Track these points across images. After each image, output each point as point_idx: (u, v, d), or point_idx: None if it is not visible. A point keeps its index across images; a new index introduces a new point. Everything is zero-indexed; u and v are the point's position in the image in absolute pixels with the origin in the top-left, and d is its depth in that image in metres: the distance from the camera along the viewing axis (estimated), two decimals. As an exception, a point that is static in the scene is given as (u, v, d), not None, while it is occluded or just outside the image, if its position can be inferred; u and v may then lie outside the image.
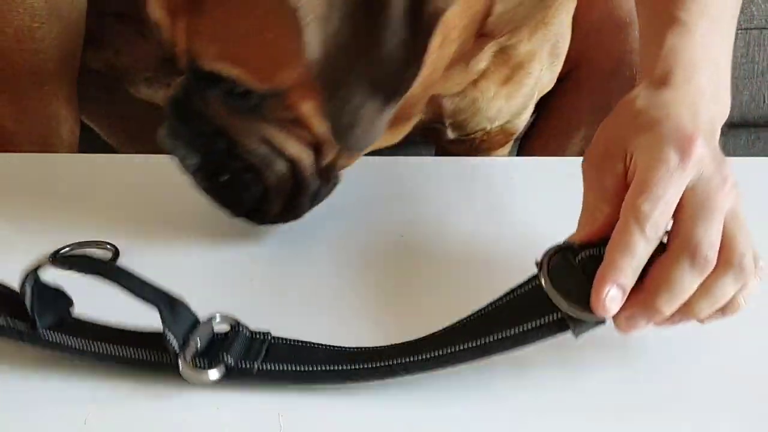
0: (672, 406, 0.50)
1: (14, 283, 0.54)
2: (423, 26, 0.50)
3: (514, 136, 0.84)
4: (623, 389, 0.51)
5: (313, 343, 0.52)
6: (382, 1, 0.50)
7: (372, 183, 0.73)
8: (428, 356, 0.50)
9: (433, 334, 0.52)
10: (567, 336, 0.49)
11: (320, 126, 0.58)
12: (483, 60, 0.69)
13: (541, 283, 0.49)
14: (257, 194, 0.61)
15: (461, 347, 0.50)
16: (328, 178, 0.63)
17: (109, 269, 0.52)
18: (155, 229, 0.64)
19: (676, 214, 0.48)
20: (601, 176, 0.51)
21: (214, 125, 0.59)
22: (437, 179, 0.74)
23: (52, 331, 0.52)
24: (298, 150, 0.60)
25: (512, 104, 0.76)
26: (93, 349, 0.51)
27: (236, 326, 0.53)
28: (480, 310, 0.52)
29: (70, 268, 0.52)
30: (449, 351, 0.50)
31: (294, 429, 0.48)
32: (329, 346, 0.52)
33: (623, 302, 0.47)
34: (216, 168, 0.61)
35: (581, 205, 0.52)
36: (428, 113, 0.74)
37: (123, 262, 0.62)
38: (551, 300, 0.48)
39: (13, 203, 0.69)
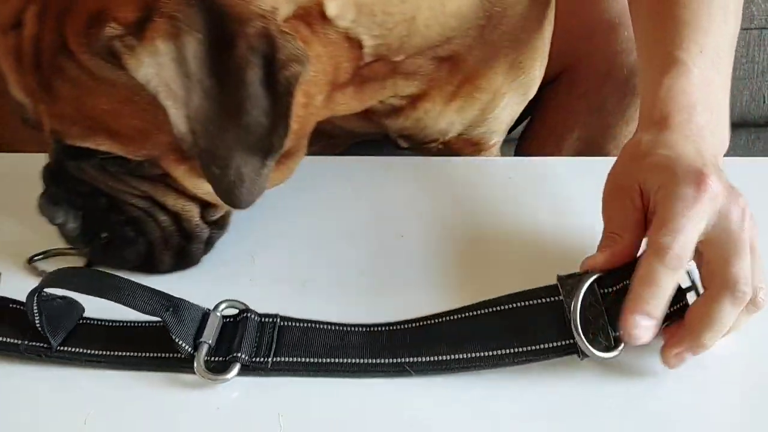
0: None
1: (16, 282, 0.54)
2: (281, 92, 0.52)
3: (489, 145, 0.82)
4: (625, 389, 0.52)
5: (323, 324, 0.53)
6: (237, 76, 0.51)
7: (372, 183, 0.73)
8: (441, 359, 0.51)
9: (447, 320, 0.52)
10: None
11: (197, 187, 0.58)
12: (410, 85, 0.68)
13: (564, 306, 0.50)
14: (142, 249, 0.60)
15: (475, 355, 0.51)
16: (222, 225, 0.63)
17: (100, 284, 0.51)
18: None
19: (706, 253, 0.51)
20: (621, 207, 0.54)
21: (91, 186, 0.59)
22: (437, 179, 0.74)
23: (67, 346, 0.52)
24: (180, 203, 0.60)
25: (466, 116, 0.75)
26: (109, 356, 0.52)
27: (244, 312, 0.53)
28: (496, 304, 0.52)
29: (56, 286, 0.52)
30: (462, 357, 0.51)
31: (294, 429, 0.48)
32: (339, 326, 0.53)
33: (655, 331, 0.49)
34: (96, 226, 0.60)
35: (601, 235, 0.54)
36: (370, 129, 0.74)
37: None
38: (573, 328, 0.49)
39: (14, 203, 0.69)
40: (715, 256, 0.50)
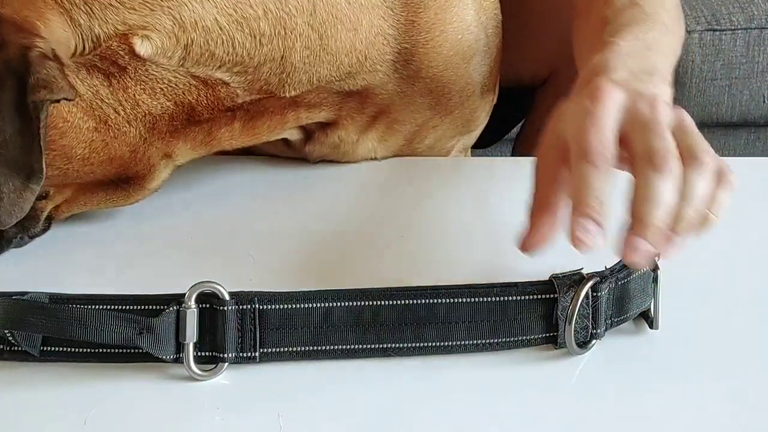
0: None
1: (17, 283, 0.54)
2: (29, 116, 0.52)
3: (451, 153, 0.82)
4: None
5: (304, 302, 0.52)
6: None
7: (372, 183, 0.73)
8: (426, 345, 0.52)
9: (434, 303, 0.52)
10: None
11: None
12: (315, 116, 0.68)
13: (556, 303, 0.52)
14: None
15: (460, 343, 0.53)
16: (28, 227, 0.61)
17: (61, 322, 0.49)
18: (159, 232, 0.64)
19: (628, 150, 0.51)
20: (542, 175, 0.55)
21: None
22: (437, 179, 0.74)
23: (50, 346, 0.52)
24: None
25: (389, 145, 0.75)
26: (96, 353, 0.51)
27: (220, 304, 0.51)
28: (487, 295, 0.52)
29: (13, 328, 0.50)
30: (447, 345, 0.53)
31: (294, 429, 0.48)
32: (321, 305, 0.52)
33: (598, 235, 0.48)
34: None
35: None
36: (291, 154, 0.73)
37: (122, 266, 0.62)
38: (564, 325, 0.52)
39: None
40: (633, 143, 0.51)
